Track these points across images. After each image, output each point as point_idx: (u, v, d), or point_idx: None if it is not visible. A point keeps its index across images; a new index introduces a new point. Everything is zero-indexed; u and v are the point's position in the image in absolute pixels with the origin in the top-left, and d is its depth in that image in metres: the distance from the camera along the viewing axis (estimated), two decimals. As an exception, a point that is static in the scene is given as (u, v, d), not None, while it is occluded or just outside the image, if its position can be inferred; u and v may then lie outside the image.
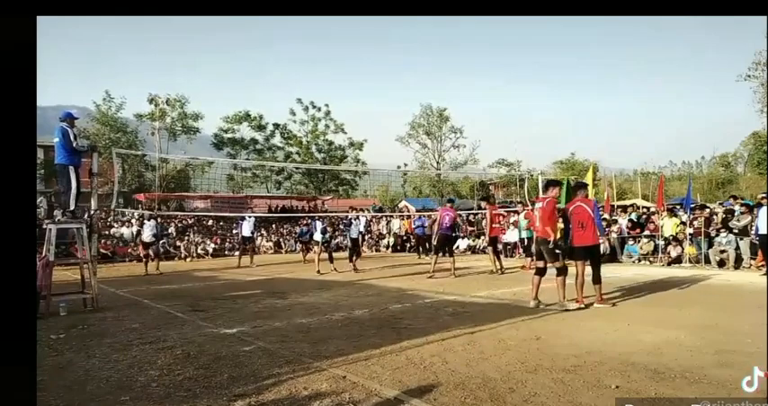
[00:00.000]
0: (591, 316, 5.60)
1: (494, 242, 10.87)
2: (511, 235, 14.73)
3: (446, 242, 10.32)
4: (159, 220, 19.47)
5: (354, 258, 11.78)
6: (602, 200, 15.83)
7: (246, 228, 14.53)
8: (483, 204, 12.02)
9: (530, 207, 11.56)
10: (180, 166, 30.57)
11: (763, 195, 9.85)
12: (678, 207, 14.52)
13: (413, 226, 17.51)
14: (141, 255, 13.67)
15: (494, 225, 10.77)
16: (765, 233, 9.05)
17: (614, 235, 12.84)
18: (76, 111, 7.40)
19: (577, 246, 6.18)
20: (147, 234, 13.25)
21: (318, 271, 11.20)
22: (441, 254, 10.10)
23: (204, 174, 32.12)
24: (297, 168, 31.74)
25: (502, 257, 11.43)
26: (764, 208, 9.19)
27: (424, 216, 16.79)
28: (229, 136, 32.49)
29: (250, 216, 15.03)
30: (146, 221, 13.81)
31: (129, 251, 17.23)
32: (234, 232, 21.77)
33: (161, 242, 14.62)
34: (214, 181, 31.23)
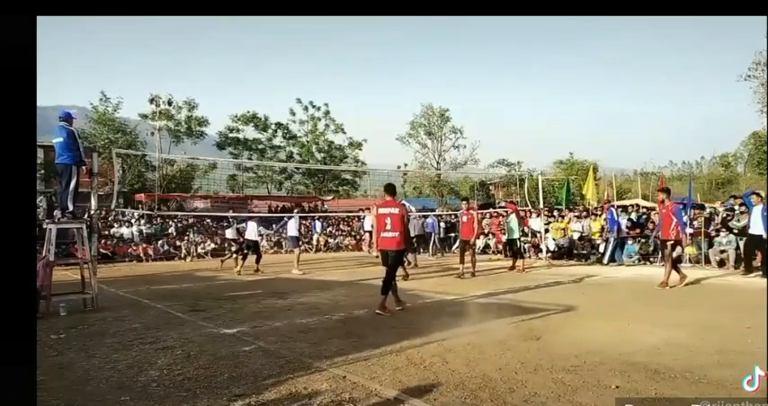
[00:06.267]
0: (591, 316, 5.60)
1: (465, 243, 10.57)
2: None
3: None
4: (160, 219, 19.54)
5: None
6: (602, 200, 15.82)
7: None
8: (463, 203, 11.71)
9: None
10: (182, 166, 30.50)
11: (756, 194, 9.83)
12: (681, 206, 14.45)
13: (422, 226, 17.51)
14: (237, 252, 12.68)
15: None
16: (758, 233, 9.13)
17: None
18: (75, 111, 7.37)
19: None
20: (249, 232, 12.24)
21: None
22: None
23: (206, 175, 32.08)
24: (297, 168, 31.69)
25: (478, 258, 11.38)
26: (757, 208, 9.25)
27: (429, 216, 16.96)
28: (233, 135, 32.38)
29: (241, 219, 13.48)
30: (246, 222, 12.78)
31: (130, 250, 17.23)
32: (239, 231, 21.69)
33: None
34: (215, 182, 31.21)
